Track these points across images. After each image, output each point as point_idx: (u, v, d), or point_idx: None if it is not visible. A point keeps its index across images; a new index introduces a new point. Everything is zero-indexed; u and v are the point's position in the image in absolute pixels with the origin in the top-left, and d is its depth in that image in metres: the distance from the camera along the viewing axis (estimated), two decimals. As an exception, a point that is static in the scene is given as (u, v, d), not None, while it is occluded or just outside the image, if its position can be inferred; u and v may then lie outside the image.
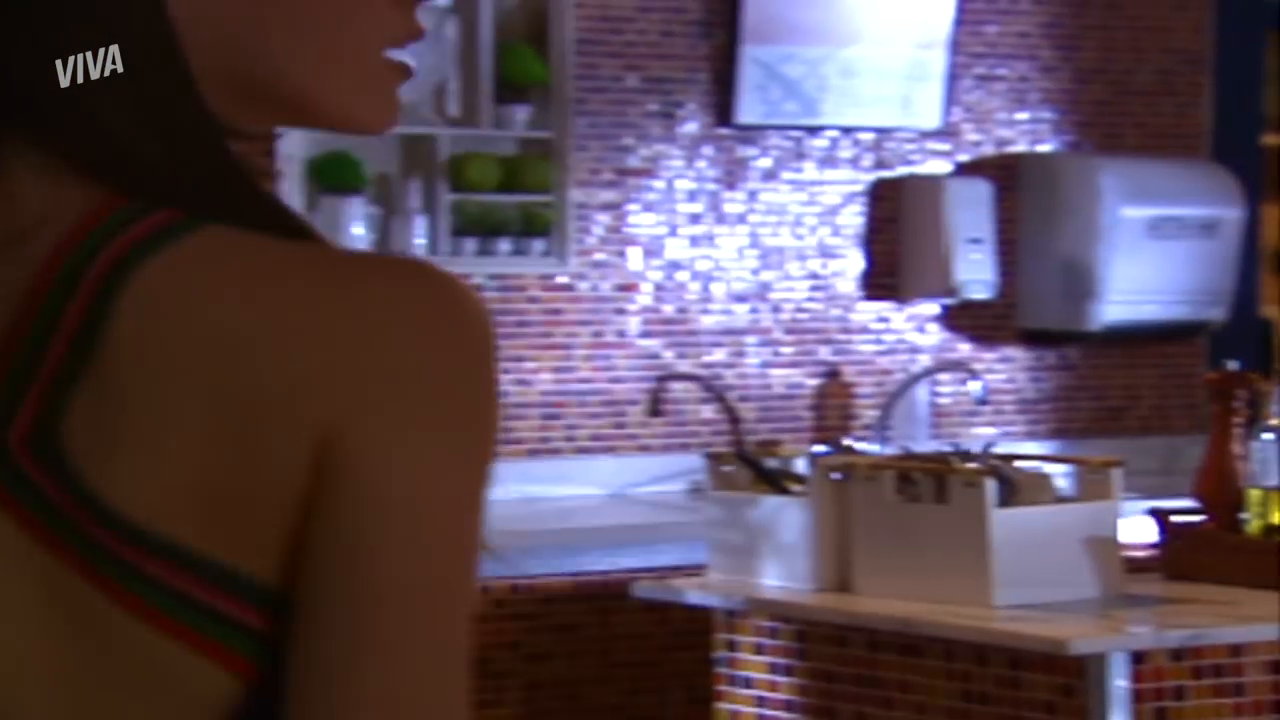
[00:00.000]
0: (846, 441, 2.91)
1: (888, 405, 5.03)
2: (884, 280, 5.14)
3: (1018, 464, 2.75)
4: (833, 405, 5.11)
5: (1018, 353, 5.31)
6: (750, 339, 4.99)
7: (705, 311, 4.94)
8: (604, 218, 4.82)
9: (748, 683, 2.82)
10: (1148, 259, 5.19)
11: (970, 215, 5.12)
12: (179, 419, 0.94)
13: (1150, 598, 2.68)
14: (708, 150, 4.93)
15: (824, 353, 5.08)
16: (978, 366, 5.22)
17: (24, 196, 0.98)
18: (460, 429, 0.95)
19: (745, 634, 2.81)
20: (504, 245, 4.64)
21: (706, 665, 2.96)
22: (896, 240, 5.15)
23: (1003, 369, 5.29)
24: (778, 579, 2.80)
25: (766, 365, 5.03)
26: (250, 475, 0.94)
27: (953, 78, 5.16)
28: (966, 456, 2.68)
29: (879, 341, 5.14)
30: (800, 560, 2.78)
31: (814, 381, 5.05)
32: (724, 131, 4.93)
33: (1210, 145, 5.51)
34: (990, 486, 2.62)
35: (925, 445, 4.91)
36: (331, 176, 4.43)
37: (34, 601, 0.95)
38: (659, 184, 4.88)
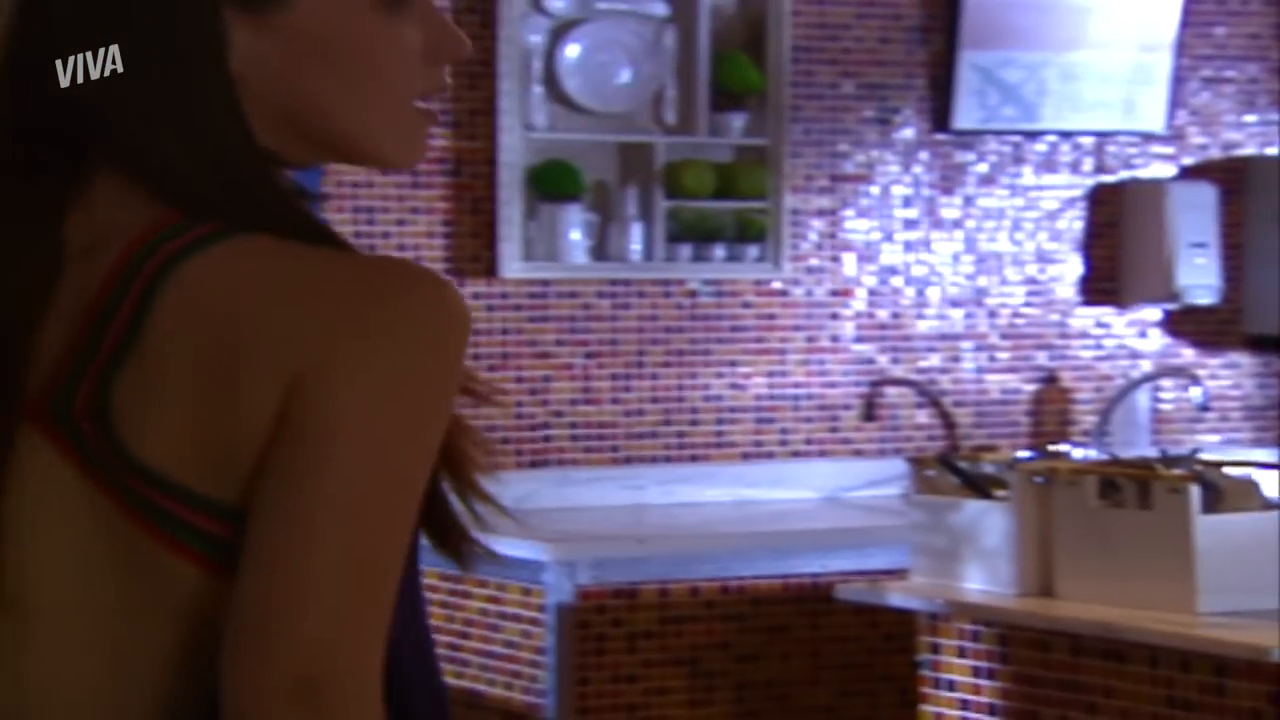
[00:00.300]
0: (1053, 447, 2.90)
1: (1106, 411, 4.98)
2: (1104, 285, 5.09)
3: (1226, 470, 2.72)
4: (1050, 411, 5.07)
5: (1243, 358, 5.22)
6: (966, 344, 4.97)
7: (920, 317, 4.93)
8: (819, 223, 4.84)
9: (951, 686, 2.82)
10: (1378, 265, 5.09)
11: (1194, 219, 5.05)
12: (185, 383, 1.20)
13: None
14: (924, 155, 4.92)
15: (1041, 358, 5.04)
16: (1201, 372, 5.15)
17: (100, 216, 1.25)
18: (397, 378, 1.18)
19: (948, 637, 2.81)
20: (719, 251, 4.68)
21: (914, 669, 2.96)
22: (1117, 245, 5.10)
23: (1227, 375, 5.21)
24: (980, 583, 2.80)
25: (982, 370, 5.01)
26: (232, 423, 1.20)
27: (1178, 80, 5.09)
28: (1171, 462, 2.66)
29: (1098, 347, 5.09)
30: (1002, 564, 2.77)
31: (1031, 387, 5.02)
32: (941, 137, 4.92)
33: None
34: (1194, 493, 2.59)
35: (1145, 451, 4.86)
36: (550, 184, 4.50)
37: (86, 526, 1.23)
38: (874, 189, 4.89)
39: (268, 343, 1.19)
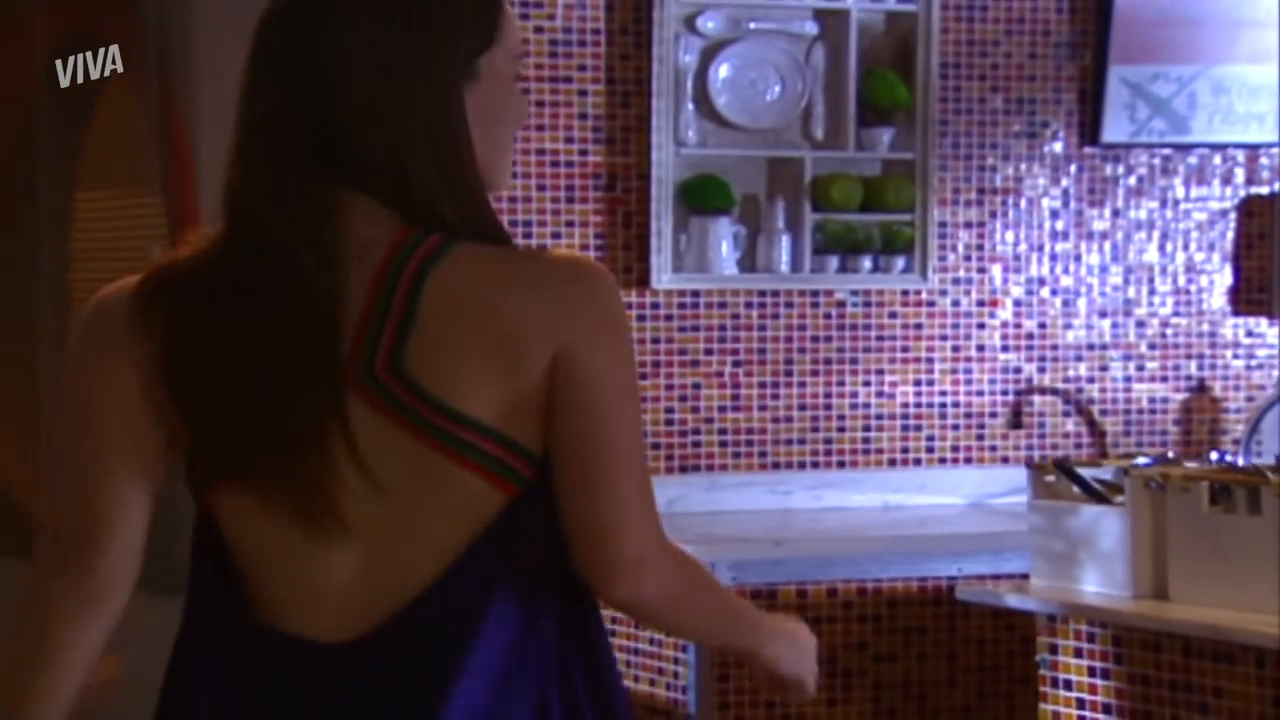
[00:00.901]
0: (1171, 455, 2.95)
1: (1256, 420, 4.99)
2: (1255, 296, 5.10)
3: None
4: (1200, 419, 5.09)
5: (1395, 370, 5.22)
6: (1114, 354, 5.01)
7: (1068, 327, 4.98)
8: (966, 235, 4.90)
9: (1069, 685, 2.89)
10: None
11: (1343, 231, 5.05)
12: (466, 346, 1.75)
13: None
14: (1072, 169, 4.96)
15: (1191, 367, 5.06)
16: (1352, 383, 5.15)
17: (355, 230, 1.79)
18: (622, 346, 1.79)
19: (1065, 638, 2.88)
20: (865, 262, 4.76)
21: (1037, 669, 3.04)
22: (1269, 256, 5.11)
23: (1379, 386, 5.20)
24: (1096, 585, 2.87)
25: (1130, 380, 5.04)
26: (518, 378, 1.76)
27: (1328, 93, 5.10)
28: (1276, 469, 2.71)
29: (1250, 356, 5.10)
30: (1117, 568, 2.84)
31: (1180, 396, 5.04)
32: (1089, 150, 4.96)
33: None
34: (1302, 499, 2.65)
35: (1293, 462, 4.87)
36: (701, 198, 4.61)
37: (399, 460, 1.74)
38: (1022, 202, 4.94)
39: (537, 322, 1.76)
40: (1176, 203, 5.05)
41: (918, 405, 4.87)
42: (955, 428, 4.90)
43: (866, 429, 4.83)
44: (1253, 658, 2.60)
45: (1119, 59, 4.93)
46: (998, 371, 4.94)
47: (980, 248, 4.93)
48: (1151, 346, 5.05)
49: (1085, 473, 2.96)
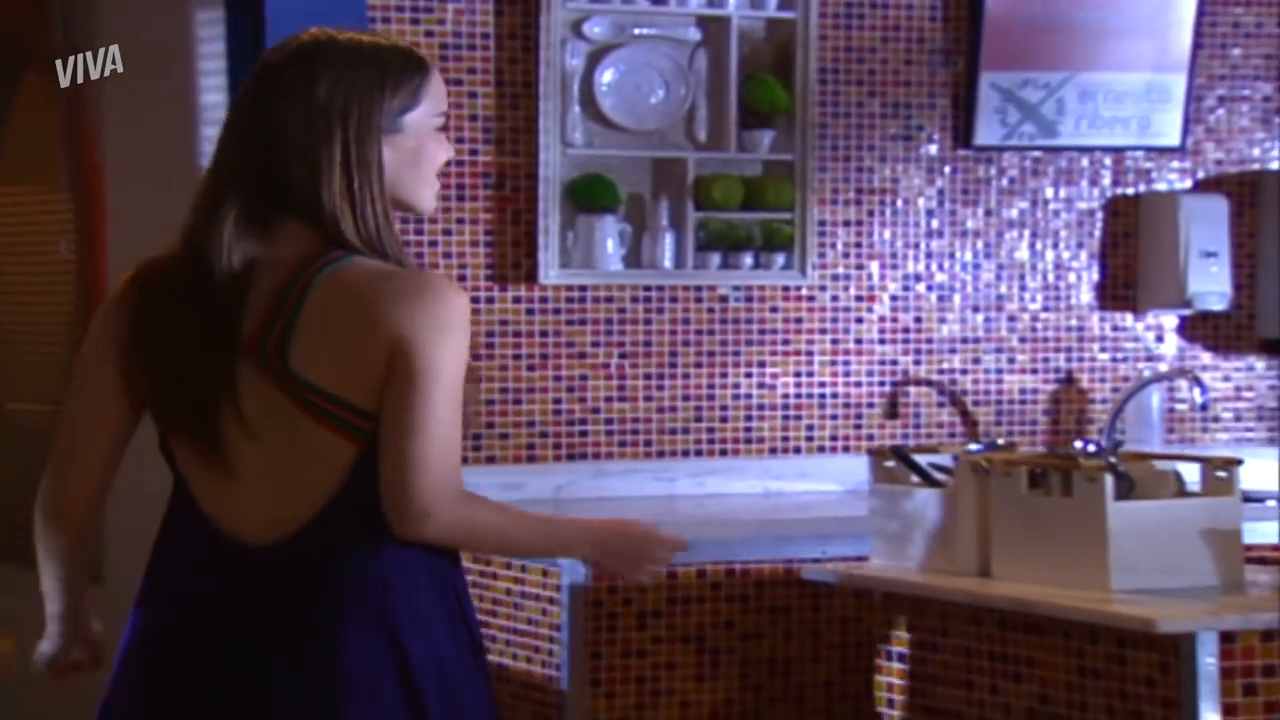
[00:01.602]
0: (1003, 440, 3.13)
1: (1117, 409, 5.18)
2: (1121, 292, 5.30)
3: (1157, 464, 2.94)
4: (1068, 410, 5.28)
5: (1257, 362, 5.41)
6: (986, 347, 5.19)
7: (942, 321, 5.16)
8: (845, 233, 5.08)
9: (902, 658, 3.06)
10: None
11: (1206, 230, 5.25)
12: (333, 335, 2.37)
13: (1269, 586, 2.86)
14: (946, 170, 5.15)
15: (1059, 360, 5.25)
16: (1215, 375, 5.34)
17: (281, 246, 2.44)
18: (449, 344, 2.37)
19: (899, 614, 3.05)
20: (746, 259, 4.93)
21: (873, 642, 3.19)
22: (1133, 254, 5.30)
23: (1242, 378, 5.39)
24: (928, 564, 3.04)
25: (1001, 371, 5.23)
26: (364, 357, 2.36)
27: (1193, 99, 5.28)
28: (1093, 455, 2.89)
29: (1116, 349, 5.30)
30: (946, 547, 3.02)
31: (1049, 387, 5.23)
32: (963, 153, 5.15)
33: None
34: (1108, 481, 2.82)
35: (1156, 448, 5.06)
36: (588, 197, 4.77)
37: (278, 419, 2.38)
38: (899, 202, 5.12)
39: (384, 320, 2.36)
40: (1046, 203, 5.24)
41: (798, 396, 5.04)
42: (834, 417, 5.08)
43: (748, 418, 5.01)
44: (1060, 630, 2.78)
45: (990, 66, 5.12)
46: (875, 364, 5.12)
47: (858, 245, 5.10)
48: (1022, 340, 5.24)
49: (923, 459, 3.13)
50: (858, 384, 5.10)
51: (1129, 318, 5.30)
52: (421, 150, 2.53)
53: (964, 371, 5.20)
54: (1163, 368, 5.30)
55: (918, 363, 5.16)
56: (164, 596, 2.45)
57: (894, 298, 5.13)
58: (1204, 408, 5.06)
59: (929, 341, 5.17)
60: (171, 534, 2.48)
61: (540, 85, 4.71)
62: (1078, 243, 5.27)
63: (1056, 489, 2.87)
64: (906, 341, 5.15)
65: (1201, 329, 5.35)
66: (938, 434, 5.17)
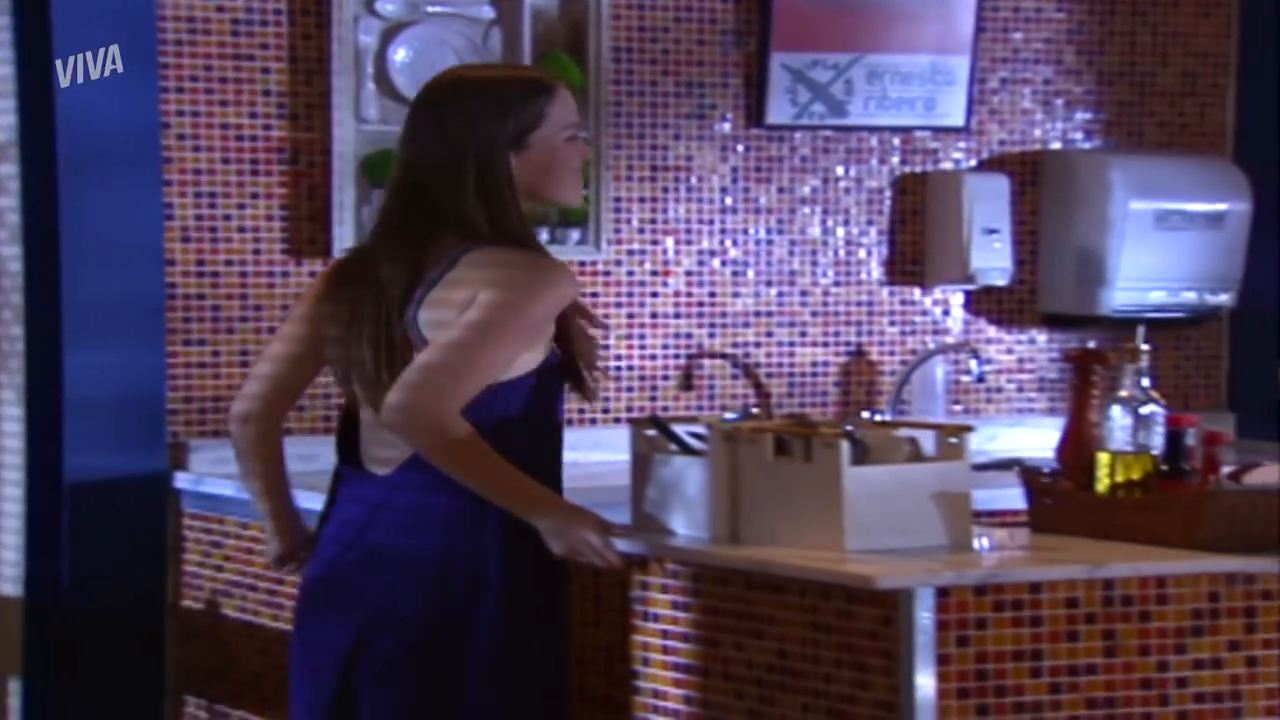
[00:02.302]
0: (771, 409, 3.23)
1: (900, 382, 5.33)
2: (909, 268, 5.45)
3: (899, 431, 3.08)
4: (858, 381, 5.43)
5: (1038, 335, 5.58)
6: (779, 320, 5.32)
7: (736, 295, 5.28)
8: (640, 209, 5.18)
9: (656, 618, 3.18)
10: (1155, 249, 5.44)
11: (989, 207, 5.40)
12: (448, 303, 3.16)
13: (996, 545, 3.00)
14: (740, 149, 5.26)
15: (850, 334, 5.40)
16: (998, 348, 5.51)
17: (440, 247, 3.19)
18: (506, 301, 3.14)
19: (655, 576, 3.17)
20: (542, 234, 5.01)
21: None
22: (921, 231, 5.45)
23: (1024, 350, 5.57)
24: (684, 529, 3.16)
25: (794, 345, 5.36)
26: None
27: (977, 81, 5.44)
28: (834, 423, 3.02)
29: (904, 323, 5.45)
30: (699, 513, 3.13)
31: (840, 360, 5.37)
32: (755, 131, 5.27)
33: (1233, 143, 5.71)
34: (844, 447, 2.95)
35: (940, 419, 5.22)
36: (382, 172, 4.84)
37: (391, 345, 3.24)
38: (693, 179, 5.23)
39: (475, 281, 3.08)
40: (837, 181, 5.38)
41: (593, 368, 5.15)
42: (630, 389, 5.19)
43: (544, 390, 5.11)
44: (797, 589, 2.91)
45: (780, 46, 5.24)
46: (670, 337, 5.23)
47: (653, 221, 5.22)
48: (814, 314, 5.38)
49: (683, 429, 3.25)
50: (653, 357, 5.22)
51: (917, 292, 5.45)
52: (552, 159, 3.23)
53: (757, 344, 5.33)
54: (949, 341, 5.46)
55: (712, 336, 5.28)
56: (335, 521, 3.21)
57: (689, 273, 5.25)
58: (980, 379, 5.22)
59: (723, 315, 5.29)
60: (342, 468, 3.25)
61: (333, 62, 4.77)
62: (867, 220, 5.41)
63: (799, 455, 2.99)
64: (701, 315, 5.27)
65: (985, 303, 5.52)
66: (731, 405, 5.29)
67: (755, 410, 3.37)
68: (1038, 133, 5.56)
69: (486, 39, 4.95)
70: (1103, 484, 3.09)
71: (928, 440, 3.04)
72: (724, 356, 5.27)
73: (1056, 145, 5.56)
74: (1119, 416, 3.08)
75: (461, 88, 3.25)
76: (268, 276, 4.82)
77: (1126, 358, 3.13)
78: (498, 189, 3.15)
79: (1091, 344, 3.23)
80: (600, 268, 5.15)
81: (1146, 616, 2.84)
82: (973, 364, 5.20)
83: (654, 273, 5.21)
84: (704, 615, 3.02)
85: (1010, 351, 5.56)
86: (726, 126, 5.25)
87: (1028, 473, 3.23)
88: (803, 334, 5.37)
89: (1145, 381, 3.10)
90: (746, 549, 2.97)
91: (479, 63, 3.51)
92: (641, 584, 3.18)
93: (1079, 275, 5.49)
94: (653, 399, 5.22)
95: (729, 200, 5.28)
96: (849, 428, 2.96)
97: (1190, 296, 5.54)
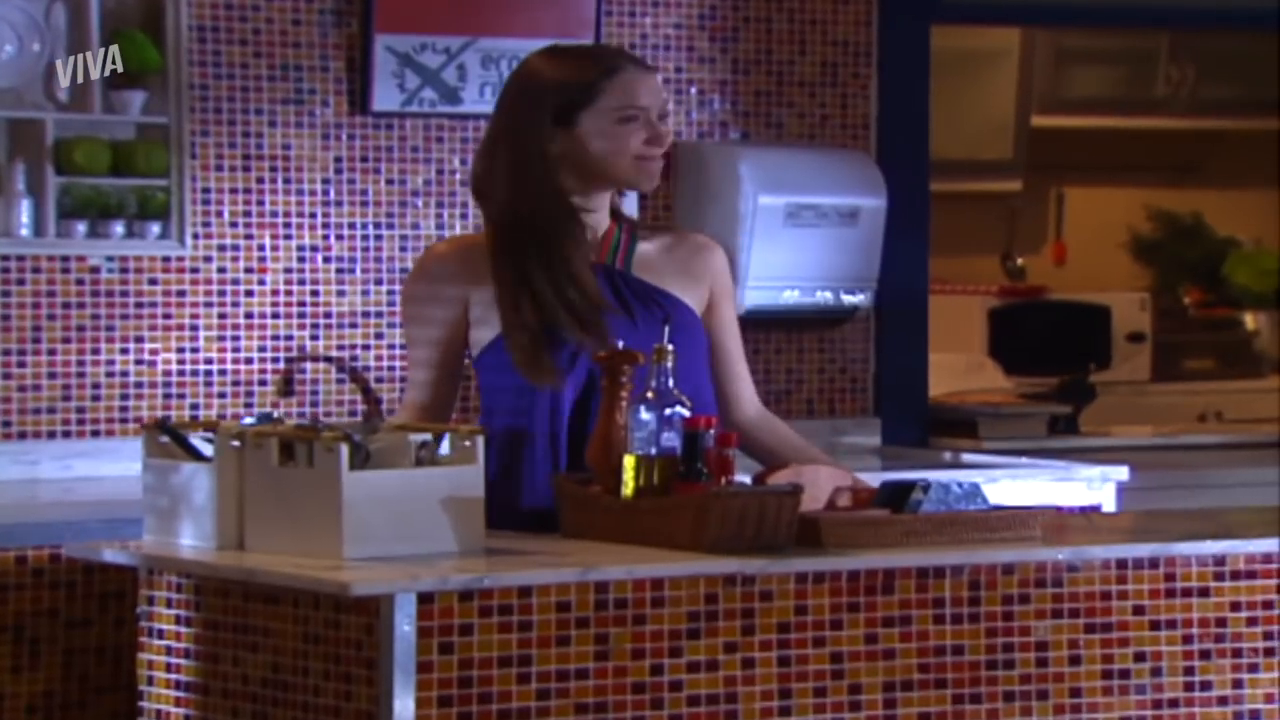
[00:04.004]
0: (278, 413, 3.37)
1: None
2: (533, 265, 5.63)
3: (415, 434, 3.24)
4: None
5: (675, 338, 5.80)
6: (390, 321, 5.46)
7: (341, 294, 5.41)
8: (232, 201, 5.29)
9: (161, 634, 3.31)
10: (786, 246, 5.69)
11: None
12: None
13: (506, 550, 3.19)
14: (344, 137, 5.40)
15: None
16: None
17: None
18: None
19: (160, 590, 3.29)
20: (117, 228, 5.11)
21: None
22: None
23: (659, 354, 5.78)
24: (191, 539, 3.29)
25: (406, 347, 5.50)
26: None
27: (608, 66, 5.64)
28: (341, 426, 3.17)
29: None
30: (206, 521, 3.27)
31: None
32: (360, 119, 5.40)
33: (876, 136, 5.97)
34: (343, 451, 3.11)
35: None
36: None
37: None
38: (292, 169, 5.35)
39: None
40: (453, 172, 5.54)
41: (181, 373, 5.24)
42: (222, 395, 5.30)
43: (124, 397, 5.19)
44: (290, 599, 3.05)
45: (384, 27, 5.38)
46: (268, 339, 5.35)
47: (247, 214, 5.33)
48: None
49: (202, 434, 3.38)
50: (249, 360, 5.33)
51: (539, 291, 5.64)
52: (605, 138, 3.59)
53: (366, 347, 5.46)
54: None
55: (315, 338, 5.41)
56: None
57: (288, 269, 5.37)
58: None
59: (327, 316, 5.42)
60: None
61: (-120, 40, 4.81)
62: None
63: (303, 460, 3.14)
64: (303, 316, 5.39)
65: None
66: (337, 412, 5.42)
67: (276, 414, 3.52)
68: (670, 124, 5.76)
69: (49, 16, 5.03)
70: (628, 488, 3.28)
71: (446, 443, 3.21)
72: (328, 360, 5.40)
73: (690, 138, 5.77)
74: (645, 418, 3.28)
75: (520, 67, 3.72)
76: None
77: (655, 358, 3.33)
78: (528, 169, 3.59)
79: (621, 344, 3.43)
80: (187, 264, 5.25)
81: (641, 619, 3.03)
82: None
83: (248, 270, 5.33)
84: (205, 630, 3.15)
85: (640, 354, 5.77)
86: (328, 113, 5.38)
87: (560, 479, 3.41)
88: (415, 336, 5.51)
89: (671, 382, 3.30)
90: (251, 558, 3.11)
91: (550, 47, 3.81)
92: (148, 599, 3.31)
93: (712, 273, 5.71)
94: (248, 405, 5.33)
95: (332, 192, 5.41)
96: (354, 431, 3.12)
97: (826, 296, 5.80)
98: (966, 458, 5.79)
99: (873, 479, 3.62)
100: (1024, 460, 5.66)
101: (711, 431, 3.23)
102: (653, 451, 3.29)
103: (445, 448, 3.19)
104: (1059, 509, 3.73)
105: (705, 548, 3.11)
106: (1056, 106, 8.63)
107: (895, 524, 3.24)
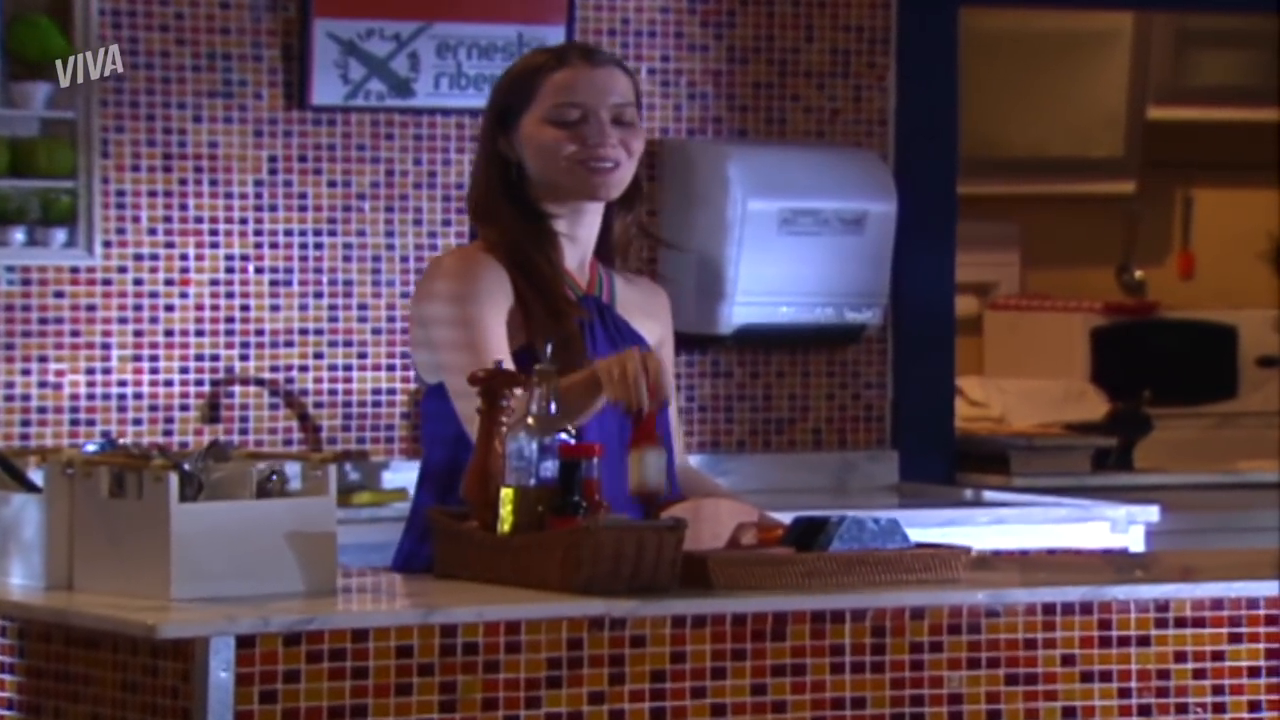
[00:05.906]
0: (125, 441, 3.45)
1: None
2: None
3: (263, 463, 3.32)
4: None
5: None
6: (331, 340, 5.55)
7: (276, 309, 5.50)
8: (151, 206, 5.39)
9: (-13, 684, 3.40)
10: (779, 256, 5.72)
11: (593, 207, 5.66)
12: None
13: (360, 590, 3.26)
14: (279, 133, 5.48)
15: (421, 357, 5.63)
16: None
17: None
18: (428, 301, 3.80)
19: (-15, 634, 3.38)
20: (17, 234, 5.22)
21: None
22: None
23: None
24: (20, 577, 3.38)
25: (351, 369, 5.58)
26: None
27: (584, 54, 5.70)
28: (178, 455, 3.26)
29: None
30: (35, 558, 3.36)
31: (409, 387, 5.59)
32: (298, 114, 5.49)
33: (894, 133, 5.98)
34: (172, 481, 3.19)
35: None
36: None
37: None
38: (219, 170, 5.44)
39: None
40: (405, 174, 5.61)
41: (91, 397, 5.35)
42: (138, 421, 5.39)
43: (26, 423, 5.30)
44: (110, 644, 3.14)
45: (324, 12, 5.46)
46: (190, 359, 5.44)
47: (168, 220, 5.42)
48: (376, 332, 5.60)
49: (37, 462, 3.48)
50: (168, 383, 5.42)
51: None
52: (538, 143, 3.66)
53: (304, 368, 5.55)
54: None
55: (245, 358, 5.49)
56: None
57: (214, 281, 5.46)
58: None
59: (259, 334, 5.50)
60: None
61: None
62: (444, 220, 5.64)
63: (133, 491, 3.22)
64: (231, 333, 5.48)
65: (586, 320, 5.77)
66: (270, 441, 5.51)
67: (122, 440, 3.59)
68: (656, 119, 5.80)
69: (-55, -1, 5.15)
70: (505, 523, 3.34)
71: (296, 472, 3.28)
72: (260, 382, 5.49)
73: (678, 135, 5.80)
74: (524, 446, 3.34)
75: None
76: None
77: (536, 380, 3.39)
78: (482, 164, 3.74)
79: (503, 363, 3.50)
80: (98, 275, 5.35)
81: (494, 666, 3.08)
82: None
83: (169, 282, 5.42)
84: (28, 677, 3.23)
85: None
86: (261, 108, 5.47)
87: (433, 512, 3.47)
88: (362, 356, 5.59)
89: (554, 407, 3.36)
90: (79, 599, 3.20)
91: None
92: (-26, 645, 3.40)
93: (699, 287, 5.74)
94: (168, 433, 5.42)
95: (265, 196, 5.50)
96: (191, 460, 3.20)
97: (827, 313, 5.82)
98: (988, 495, 5.81)
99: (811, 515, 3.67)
100: (1045, 499, 5.68)
101: (595, 461, 3.28)
102: (531, 483, 3.35)
103: (296, 479, 3.27)
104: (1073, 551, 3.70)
105: (578, 588, 3.17)
106: (1176, 96, 8.48)
107: (796, 563, 3.28)
